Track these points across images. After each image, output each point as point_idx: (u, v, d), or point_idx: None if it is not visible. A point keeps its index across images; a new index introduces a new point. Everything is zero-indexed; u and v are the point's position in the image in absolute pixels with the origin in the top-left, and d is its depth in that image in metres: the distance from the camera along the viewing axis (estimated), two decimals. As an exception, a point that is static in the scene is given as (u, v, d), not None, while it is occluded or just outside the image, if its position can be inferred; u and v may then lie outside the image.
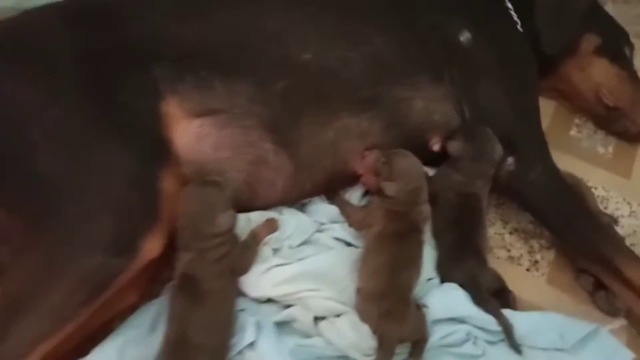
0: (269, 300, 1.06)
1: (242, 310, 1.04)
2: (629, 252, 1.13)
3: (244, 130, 1.05)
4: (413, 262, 1.04)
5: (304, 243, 1.12)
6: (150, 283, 1.04)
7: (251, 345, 0.99)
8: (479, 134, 1.16)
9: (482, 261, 1.11)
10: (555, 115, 1.53)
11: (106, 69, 0.99)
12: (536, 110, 1.27)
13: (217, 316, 0.96)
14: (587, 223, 1.16)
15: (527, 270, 1.22)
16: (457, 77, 1.20)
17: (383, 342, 0.96)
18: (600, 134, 1.50)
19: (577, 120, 1.53)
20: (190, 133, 1.03)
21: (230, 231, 1.02)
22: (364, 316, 1.00)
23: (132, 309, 1.02)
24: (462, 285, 1.08)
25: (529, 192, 1.18)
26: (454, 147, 1.16)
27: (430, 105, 1.18)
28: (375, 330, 0.97)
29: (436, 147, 1.19)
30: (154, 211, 0.95)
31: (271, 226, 1.09)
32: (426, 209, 1.09)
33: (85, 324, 0.91)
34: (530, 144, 1.20)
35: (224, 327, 0.97)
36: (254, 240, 1.06)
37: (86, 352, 0.94)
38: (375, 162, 1.10)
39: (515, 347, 1.02)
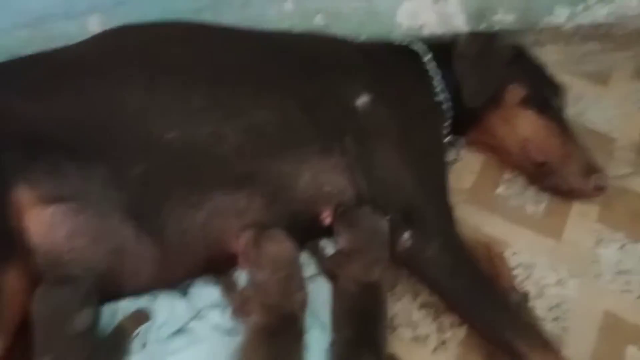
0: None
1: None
2: (535, 338, 1.03)
3: (100, 218, 0.97)
4: (290, 356, 0.96)
5: (178, 332, 1.03)
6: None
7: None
8: (359, 218, 1.08)
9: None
10: (482, 171, 1.43)
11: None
12: (440, 176, 1.18)
13: None
14: (491, 305, 1.06)
15: (434, 350, 1.12)
16: (350, 146, 1.12)
17: None
18: (532, 191, 1.40)
19: (506, 176, 1.42)
20: (42, 221, 0.96)
21: (90, 331, 0.94)
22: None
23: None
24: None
25: (426, 270, 1.09)
26: (340, 242, 1.08)
27: (319, 176, 1.10)
28: None
29: (327, 221, 1.10)
30: None
31: (140, 318, 1.01)
32: (301, 296, 1.00)
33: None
34: (430, 216, 1.11)
35: None
36: (121, 336, 0.98)
37: None
38: (246, 245, 1.02)
39: None
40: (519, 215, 1.35)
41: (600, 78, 1.68)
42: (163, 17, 1.20)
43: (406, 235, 1.09)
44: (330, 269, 1.11)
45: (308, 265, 1.11)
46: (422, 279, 1.12)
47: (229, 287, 1.09)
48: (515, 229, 1.32)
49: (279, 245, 1.01)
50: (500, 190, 1.40)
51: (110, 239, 0.98)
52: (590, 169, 1.31)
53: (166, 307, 1.04)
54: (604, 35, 1.69)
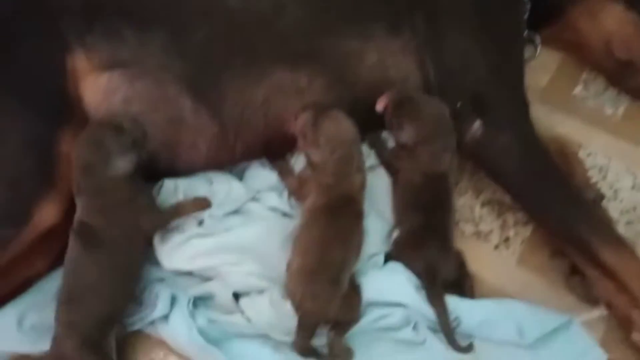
0: (188, 273, 0.97)
1: (160, 280, 0.97)
2: (609, 235, 0.96)
3: (158, 85, 0.94)
4: (347, 240, 0.92)
5: (234, 213, 1.02)
6: (62, 249, 0.97)
7: (165, 317, 0.93)
8: (420, 105, 1.01)
9: (446, 250, 0.98)
10: (559, 70, 1.32)
11: (3, 19, 0.91)
12: (517, 66, 1.09)
13: (114, 266, 0.89)
14: (564, 198, 0.99)
15: (496, 247, 1.07)
16: (421, 26, 1.03)
17: (302, 323, 0.87)
18: (611, 92, 1.29)
19: (584, 76, 1.32)
20: (99, 88, 0.94)
21: (129, 179, 0.93)
22: (289, 294, 0.90)
23: (41, 276, 0.97)
24: (417, 273, 0.96)
25: (496, 162, 1.01)
26: (404, 136, 1.01)
27: (386, 58, 1.03)
28: (296, 310, 0.88)
29: (379, 107, 1.03)
30: (50, 176, 0.88)
31: (201, 204, 0.98)
32: (360, 178, 0.96)
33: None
34: (503, 105, 1.03)
35: (122, 279, 0.91)
36: (175, 211, 0.97)
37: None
38: (304, 124, 0.97)
39: (454, 344, 0.90)
40: (596, 117, 1.25)
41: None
42: None
43: (477, 124, 1.01)
44: (391, 161, 1.06)
45: (367, 157, 1.06)
46: (490, 173, 1.05)
47: (285, 172, 1.06)
48: (591, 130, 1.23)
49: (338, 124, 0.96)
50: (578, 90, 1.30)
51: (168, 108, 0.95)
52: (678, 71, 1.19)
53: (223, 188, 1.02)
54: None
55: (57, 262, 0.95)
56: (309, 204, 0.95)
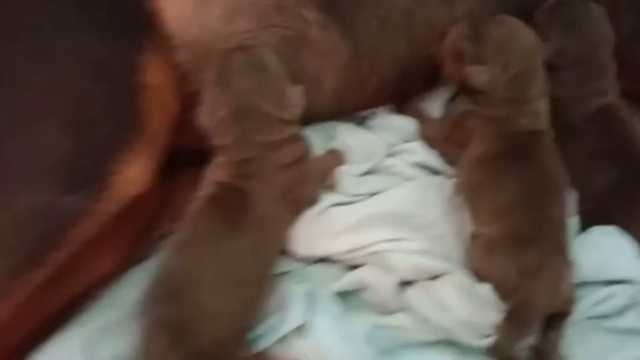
0: (325, 260, 0.68)
1: (284, 273, 0.67)
2: None
3: None
4: (560, 188, 0.67)
5: (371, 172, 0.74)
6: (136, 241, 0.67)
7: (300, 329, 0.62)
8: (584, 21, 0.77)
9: None
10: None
11: None
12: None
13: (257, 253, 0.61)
14: None
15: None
16: None
17: (517, 316, 0.60)
18: None
19: None
20: (185, -1, 0.65)
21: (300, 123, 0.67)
22: (492, 274, 0.63)
23: (108, 282, 0.65)
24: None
25: None
26: (547, 50, 0.76)
27: None
28: (508, 297, 0.61)
29: None
30: (132, 118, 0.58)
31: (336, 159, 0.72)
32: (545, 102, 0.70)
33: (39, 299, 0.56)
34: None
35: (264, 272, 0.63)
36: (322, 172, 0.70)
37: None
38: (457, 39, 0.72)
39: None
40: None
41: None
42: None
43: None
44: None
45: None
46: None
47: (419, 117, 0.79)
48: None
49: (512, 28, 0.71)
50: None
51: (286, 22, 0.67)
52: None
53: (353, 141, 0.74)
54: None
55: (127, 262, 0.65)
56: (476, 153, 0.69)
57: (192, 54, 0.66)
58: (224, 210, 0.61)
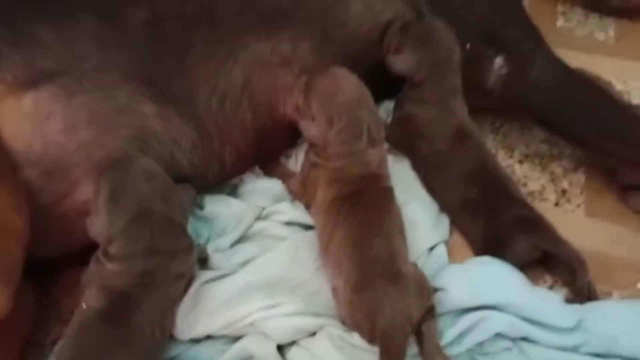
0: (209, 337, 0.70)
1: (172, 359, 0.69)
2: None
3: (104, 92, 0.68)
4: (384, 227, 0.69)
5: (243, 239, 0.76)
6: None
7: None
8: (430, 32, 0.83)
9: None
10: (533, 7, 1.19)
11: None
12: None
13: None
14: (622, 118, 0.84)
15: (556, 205, 0.89)
16: None
17: (387, 349, 0.63)
18: (594, 18, 1.18)
19: (560, 8, 1.20)
20: (23, 117, 0.66)
21: None
22: (352, 323, 0.66)
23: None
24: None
25: (534, 97, 0.84)
26: (401, 64, 0.82)
27: (374, 4, 0.83)
28: (371, 338, 0.64)
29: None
30: None
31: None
32: (376, 152, 0.73)
33: None
34: (520, 35, 0.88)
35: None
36: None
37: None
38: (296, 95, 0.76)
39: None
40: (590, 45, 1.13)
41: None
42: None
43: (498, 61, 0.84)
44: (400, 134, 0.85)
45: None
46: (528, 113, 0.88)
47: (284, 174, 0.82)
48: (594, 58, 1.10)
49: (336, 82, 0.73)
50: (561, 22, 1.17)
51: (126, 122, 0.69)
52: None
53: (221, 211, 0.77)
54: None
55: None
56: (320, 201, 0.72)
57: (40, 169, 0.67)
58: (113, 324, 0.62)
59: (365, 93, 0.74)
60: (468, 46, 0.86)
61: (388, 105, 0.89)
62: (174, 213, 0.67)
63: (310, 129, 0.73)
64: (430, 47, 0.82)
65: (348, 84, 0.73)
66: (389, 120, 0.87)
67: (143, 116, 0.70)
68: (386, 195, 0.71)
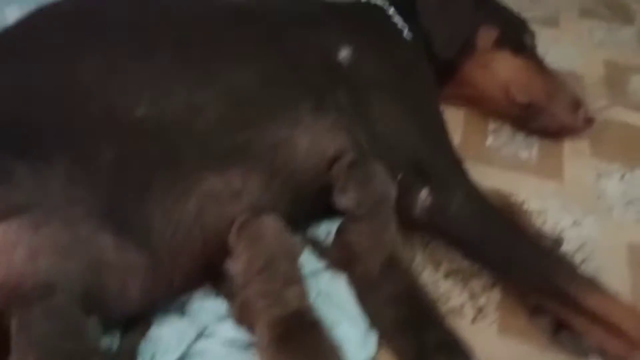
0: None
1: None
2: (585, 279, 0.92)
3: (68, 227, 0.76)
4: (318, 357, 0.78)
5: (184, 357, 0.83)
6: None
7: None
8: (371, 175, 0.94)
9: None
10: (466, 125, 1.33)
11: None
12: (441, 124, 1.06)
13: None
14: (529, 252, 0.95)
15: (473, 321, 0.99)
16: (344, 101, 0.97)
17: None
18: (520, 137, 1.32)
19: (491, 126, 1.34)
20: (-8, 246, 0.73)
21: None
22: None
23: None
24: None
25: (454, 227, 0.96)
26: (346, 200, 0.92)
27: (319, 139, 0.94)
28: None
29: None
30: None
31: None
32: (295, 290, 0.83)
33: None
34: (444, 167, 0.99)
35: None
36: None
37: None
38: (231, 234, 0.86)
39: None
40: (514, 163, 1.26)
41: (550, 21, 1.66)
42: None
43: (424, 193, 0.96)
44: (338, 256, 0.96)
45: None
46: (448, 240, 0.99)
47: (228, 297, 0.90)
48: (515, 177, 1.23)
49: (260, 230, 0.84)
50: (490, 141, 1.31)
51: (85, 252, 0.77)
52: (576, 103, 1.26)
53: (164, 331, 0.84)
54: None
55: None
56: (259, 341, 0.81)
57: (4, 294, 0.73)
58: None
59: (288, 243, 0.85)
60: (399, 177, 0.97)
61: (328, 226, 1.00)
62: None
63: (232, 267, 0.83)
64: (369, 189, 0.92)
65: (273, 232, 0.84)
66: (329, 240, 0.97)
67: (101, 247, 0.78)
68: (313, 327, 0.80)
